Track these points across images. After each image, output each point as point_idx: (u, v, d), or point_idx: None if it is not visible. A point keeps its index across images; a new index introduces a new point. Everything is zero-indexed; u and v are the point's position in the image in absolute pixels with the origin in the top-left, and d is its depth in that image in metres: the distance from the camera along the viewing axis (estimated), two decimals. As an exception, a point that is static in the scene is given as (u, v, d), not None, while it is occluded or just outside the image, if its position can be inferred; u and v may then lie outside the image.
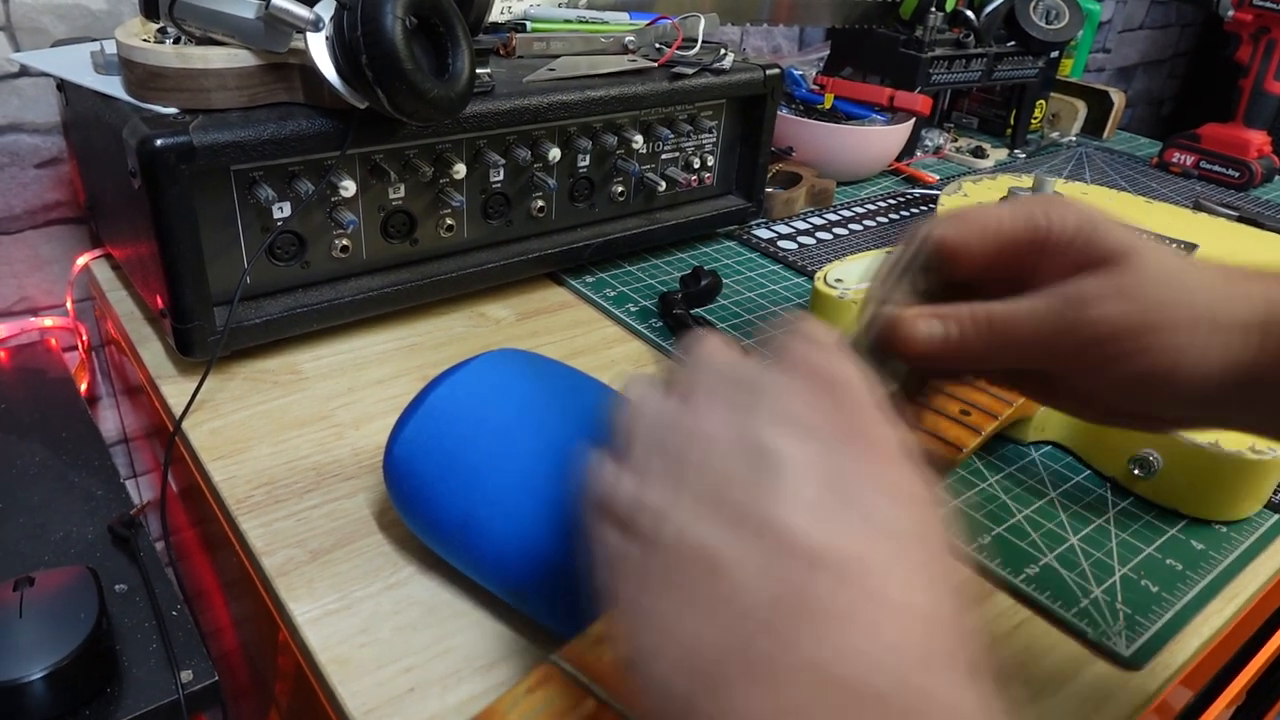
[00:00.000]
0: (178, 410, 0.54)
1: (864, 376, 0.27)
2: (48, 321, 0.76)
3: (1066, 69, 1.36)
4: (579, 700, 0.31)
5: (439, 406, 0.41)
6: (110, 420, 0.83)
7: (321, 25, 0.50)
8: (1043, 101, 1.21)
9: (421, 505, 0.40)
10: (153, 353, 0.60)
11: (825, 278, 0.64)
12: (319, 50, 0.50)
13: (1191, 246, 0.72)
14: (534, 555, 0.37)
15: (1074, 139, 1.25)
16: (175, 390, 0.56)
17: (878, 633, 0.22)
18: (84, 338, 0.76)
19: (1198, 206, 0.99)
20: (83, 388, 0.75)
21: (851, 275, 0.64)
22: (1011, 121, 1.19)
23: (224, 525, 0.49)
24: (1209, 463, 0.49)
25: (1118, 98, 1.26)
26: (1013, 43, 1.11)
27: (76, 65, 0.58)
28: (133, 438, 0.81)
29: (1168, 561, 0.48)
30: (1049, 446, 0.57)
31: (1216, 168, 1.12)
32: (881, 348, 0.34)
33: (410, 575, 0.43)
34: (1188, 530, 0.50)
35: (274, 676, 0.52)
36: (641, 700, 0.25)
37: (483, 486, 0.38)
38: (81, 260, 0.71)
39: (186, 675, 0.48)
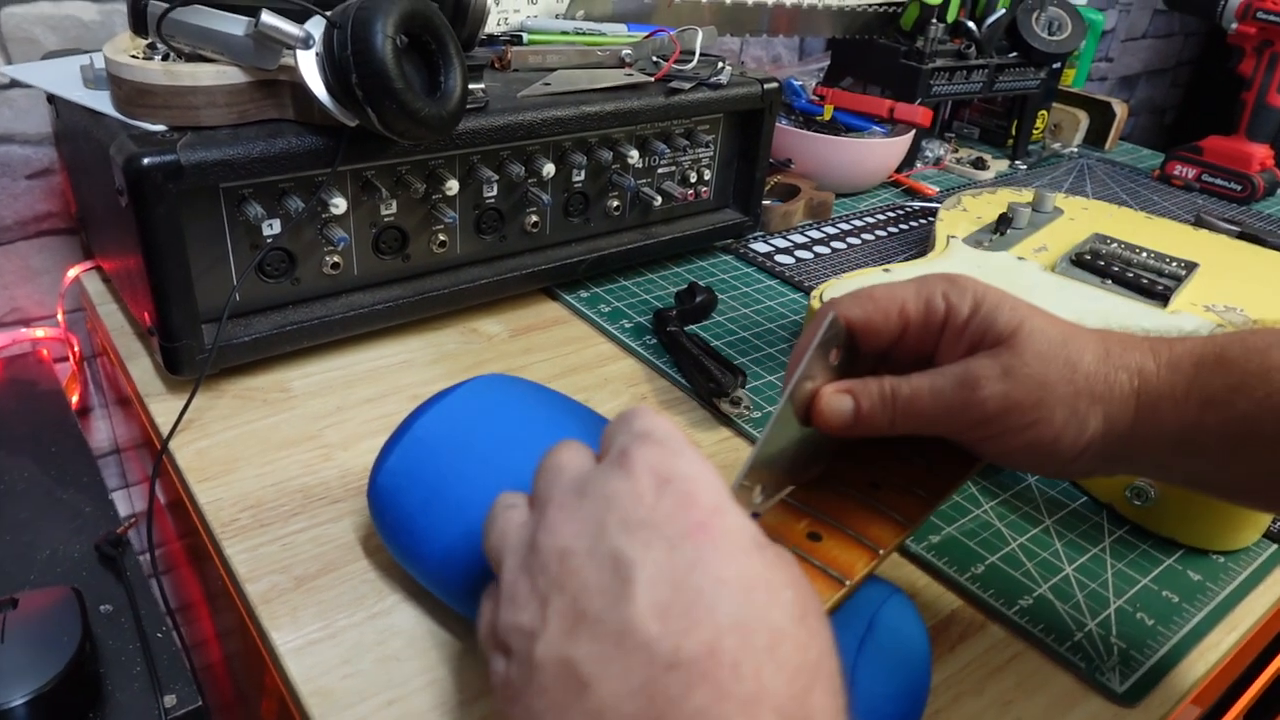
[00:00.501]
0: (165, 428, 0.53)
1: (697, 464, 0.28)
2: (39, 333, 0.75)
3: (1069, 79, 1.35)
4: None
5: (422, 437, 0.40)
6: (103, 431, 0.82)
7: (312, 43, 0.49)
8: (1045, 112, 1.21)
9: (405, 536, 0.40)
10: (141, 369, 0.59)
11: (820, 296, 0.63)
12: (309, 68, 0.50)
13: (1191, 265, 0.71)
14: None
15: (1076, 150, 1.24)
16: (163, 408, 0.55)
17: None
18: (76, 349, 0.76)
19: (1199, 221, 0.98)
20: (74, 399, 0.74)
21: (845, 293, 0.64)
22: (1013, 132, 1.19)
23: (209, 547, 0.48)
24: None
25: (1120, 109, 1.25)
26: (1014, 54, 1.10)
27: (66, 79, 0.57)
28: (124, 449, 0.81)
29: (1164, 593, 0.47)
30: (1045, 471, 0.56)
31: (1219, 181, 1.12)
32: (801, 419, 0.38)
33: (395, 604, 0.43)
34: (1185, 560, 0.50)
35: (259, 694, 0.52)
36: None
37: (466, 520, 0.38)
38: (72, 272, 0.71)
39: (170, 700, 0.47)
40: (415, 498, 0.39)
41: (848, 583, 0.34)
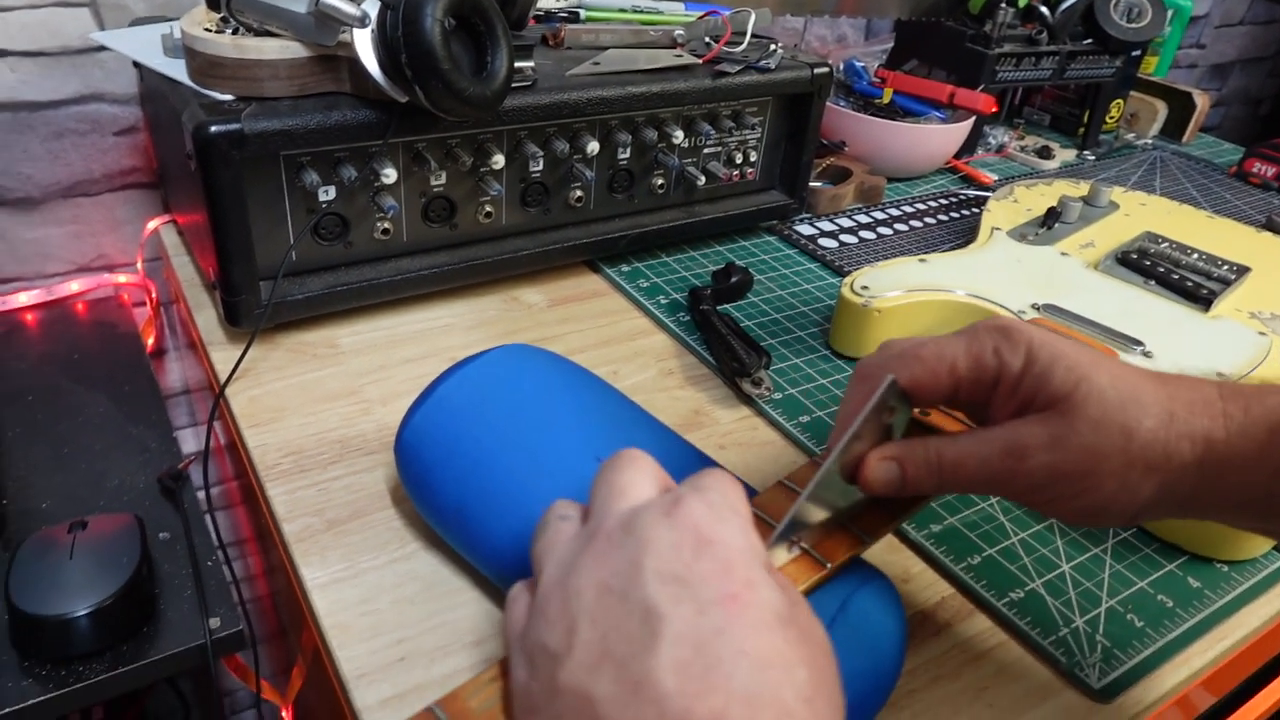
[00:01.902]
0: (223, 375, 0.58)
1: (740, 532, 0.29)
2: (121, 278, 0.81)
3: (1150, 67, 1.31)
4: (536, 690, 0.33)
5: (446, 398, 0.43)
6: (175, 372, 0.89)
7: (367, 21, 0.52)
8: (1120, 101, 1.17)
9: (424, 489, 0.43)
10: (206, 319, 0.64)
11: (853, 285, 0.64)
12: (364, 46, 0.53)
13: (1243, 269, 0.70)
14: (518, 547, 0.40)
15: (1150, 142, 1.21)
16: (222, 357, 0.60)
17: None
18: (153, 295, 0.82)
19: (1269, 223, 0.95)
20: (150, 342, 0.80)
21: (880, 283, 0.65)
22: (1084, 121, 1.16)
23: (255, 487, 0.53)
24: (1213, 501, 0.49)
25: (1201, 100, 1.21)
26: (1089, 40, 1.07)
27: (147, 47, 0.61)
28: (193, 390, 0.87)
29: (1159, 597, 0.48)
30: (1058, 469, 0.57)
31: (1299, 181, 1.07)
32: (846, 477, 0.38)
33: (414, 551, 0.46)
34: (1187, 567, 0.50)
35: (298, 627, 0.56)
36: None
37: (477, 479, 0.41)
38: (152, 224, 0.76)
39: (215, 622, 0.52)
40: (434, 455, 0.43)
41: (829, 566, 0.36)
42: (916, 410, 0.42)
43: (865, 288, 0.64)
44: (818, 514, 0.37)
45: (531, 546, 0.33)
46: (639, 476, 0.32)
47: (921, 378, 0.37)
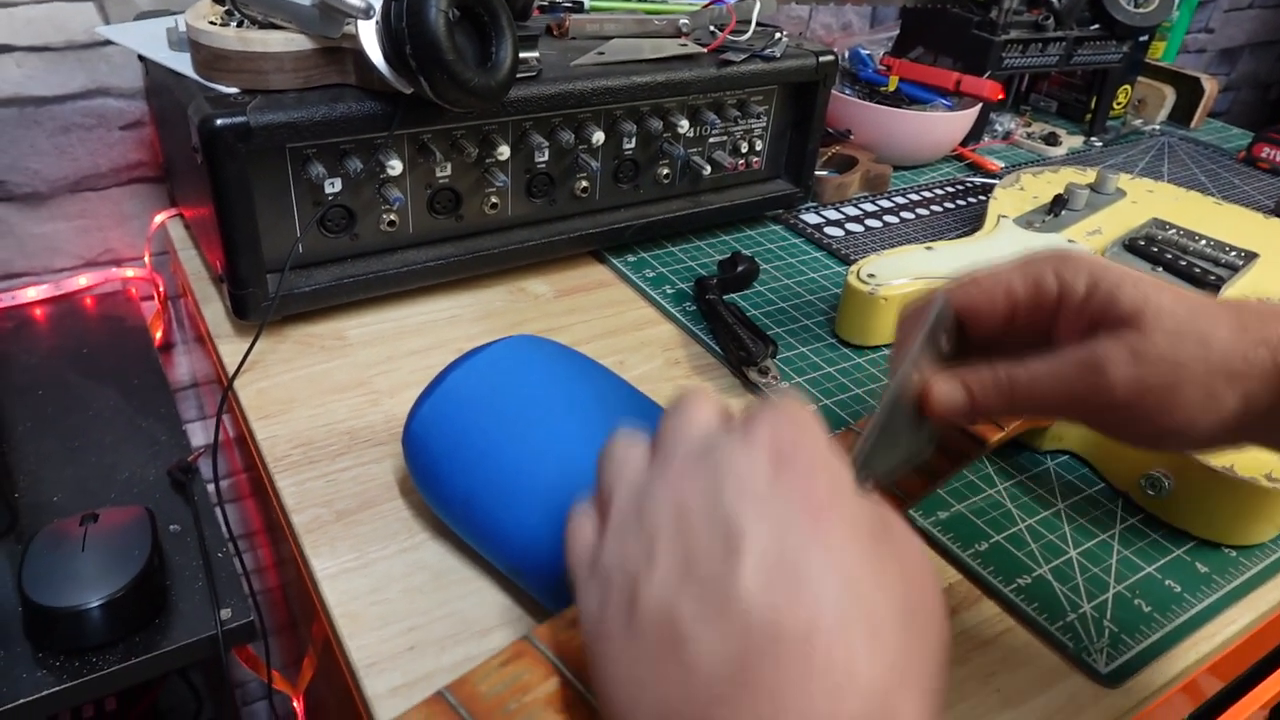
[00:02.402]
0: (232, 368, 0.58)
1: (821, 447, 0.28)
2: (129, 272, 0.82)
3: (1158, 52, 1.30)
4: (546, 676, 0.33)
5: (453, 390, 0.44)
6: (184, 366, 0.89)
7: (372, 13, 0.52)
8: (1127, 87, 1.17)
9: (431, 480, 0.44)
10: (214, 312, 0.64)
11: (859, 273, 0.64)
12: (369, 37, 0.53)
13: (1251, 255, 0.69)
14: (526, 536, 0.40)
15: (1158, 128, 1.20)
16: (230, 349, 0.60)
17: (810, 703, 0.23)
18: (161, 289, 0.82)
19: (1278, 209, 0.95)
20: (158, 336, 0.80)
21: (886, 271, 0.65)
22: (1092, 107, 1.15)
23: (264, 479, 0.53)
24: (1222, 487, 0.49)
25: (1209, 85, 1.20)
26: (1096, 26, 1.06)
27: (153, 40, 0.62)
28: (201, 383, 0.87)
29: (1167, 582, 0.48)
30: (1065, 456, 0.57)
31: (1309, 165, 1.07)
32: (913, 411, 0.36)
33: (423, 541, 0.47)
34: (1195, 552, 0.50)
35: (309, 618, 0.57)
36: None
37: (485, 470, 0.41)
38: (159, 218, 0.77)
39: (226, 613, 0.52)
40: (442, 445, 0.43)
41: (906, 500, 0.37)
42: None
43: (872, 276, 0.64)
44: (888, 454, 0.36)
45: (599, 472, 0.32)
46: (707, 407, 0.31)
47: (978, 300, 0.36)
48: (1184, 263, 0.67)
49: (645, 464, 0.31)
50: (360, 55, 0.54)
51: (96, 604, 0.49)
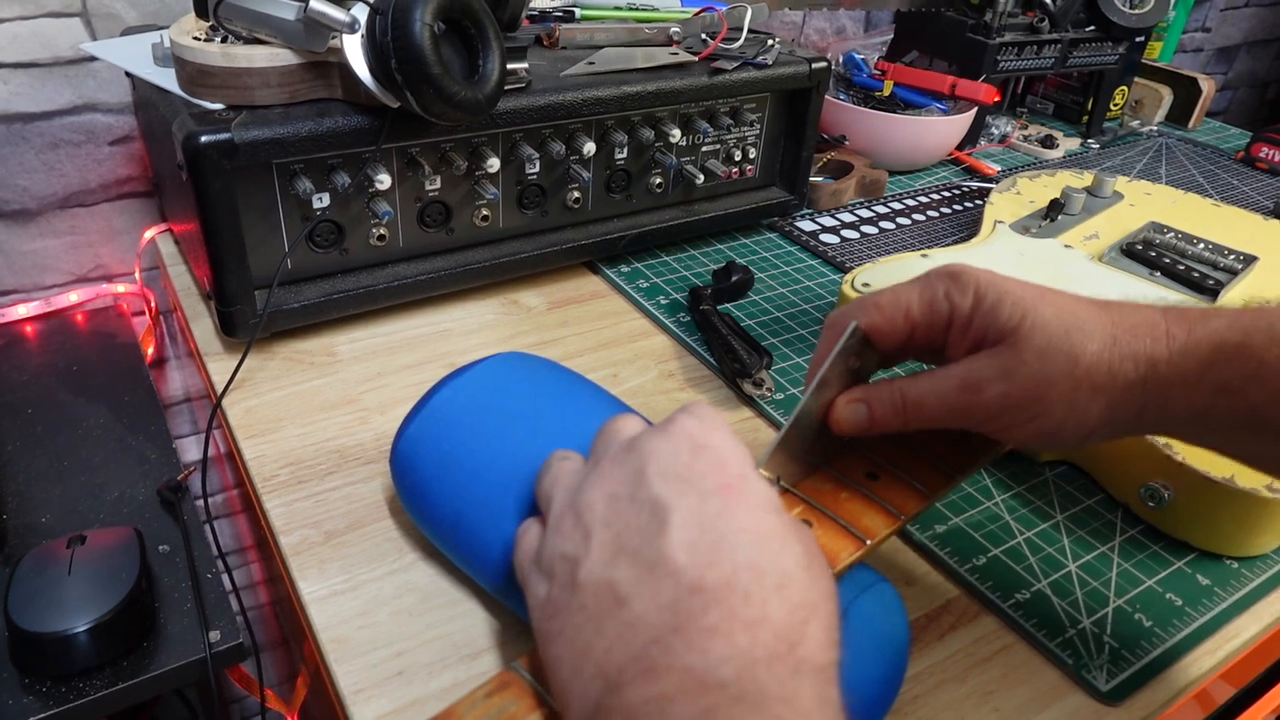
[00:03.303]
0: (221, 386, 0.57)
1: (730, 439, 0.33)
2: (120, 288, 0.81)
3: (1154, 52, 1.29)
4: (534, 707, 0.33)
5: (440, 409, 0.43)
6: (177, 381, 0.88)
7: (357, 27, 0.52)
8: (1124, 88, 1.16)
9: (420, 501, 0.43)
10: (203, 329, 0.64)
11: (854, 282, 0.64)
12: (354, 51, 0.52)
13: (1250, 259, 0.69)
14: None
15: (1156, 128, 1.20)
16: (219, 367, 0.60)
17: (732, 639, 0.27)
18: (152, 304, 0.82)
19: (1277, 209, 0.94)
20: (150, 352, 0.80)
21: (881, 280, 0.64)
22: (1088, 109, 1.15)
23: (252, 499, 0.52)
24: (1222, 498, 0.48)
25: (1207, 85, 1.19)
26: (1091, 27, 1.06)
27: (138, 56, 0.61)
28: (194, 399, 0.87)
29: (1167, 596, 0.47)
30: (1064, 466, 0.56)
31: (1307, 165, 1.06)
32: (820, 424, 0.41)
33: (412, 562, 0.46)
34: (1196, 564, 0.50)
35: (300, 636, 0.56)
36: (564, 710, 0.30)
37: (474, 490, 0.41)
38: (149, 234, 0.76)
39: (215, 635, 0.52)
40: (429, 466, 0.42)
41: (902, 517, 0.38)
42: None
43: (866, 285, 0.63)
44: (795, 459, 0.40)
45: (537, 487, 0.36)
46: (629, 422, 0.36)
47: (879, 323, 0.40)
48: (1182, 267, 0.67)
49: (577, 470, 0.35)
50: (346, 69, 0.53)
51: (83, 628, 0.48)
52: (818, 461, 0.41)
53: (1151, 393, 0.36)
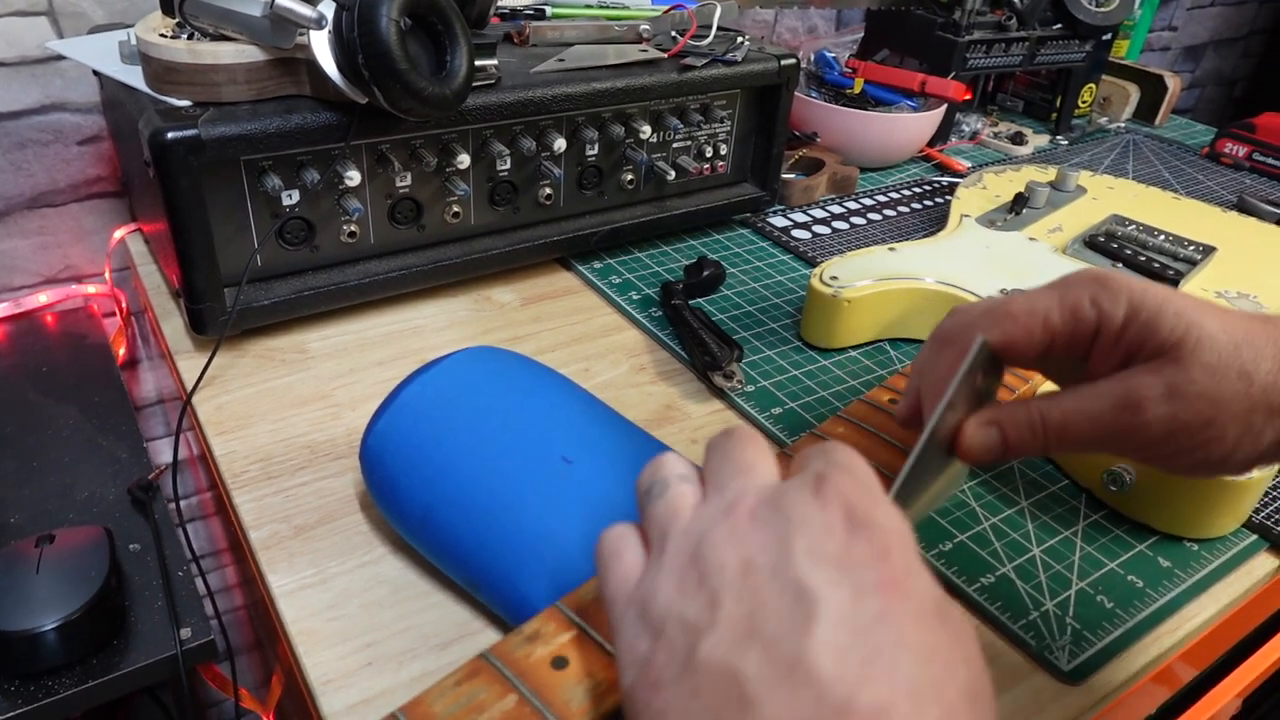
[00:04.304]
0: (191, 384, 0.57)
1: (894, 515, 0.27)
2: (90, 289, 0.81)
3: (1121, 50, 1.31)
4: (503, 694, 0.33)
5: (409, 404, 0.43)
6: (150, 382, 0.88)
7: (324, 23, 0.52)
8: (1092, 85, 1.18)
9: (389, 495, 0.43)
10: (173, 327, 0.64)
11: (822, 275, 0.64)
12: (321, 47, 0.52)
13: (1209, 249, 0.70)
14: (484, 551, 0.40)
15: (1123, 125, 1.21)
16: (189, 365, 0.60)
17: None
18: (123, 304, 0.81)
19: (1240, 203, 0.96)
20: (121, 352, 0.79)
21: (849, 273, 0.65)
22: (1057, 106, 1.16)
23: (223, 495, 0.52)
24: (1182, 481, 0.49)
25: (1173, 82, 1.21)
26: (1059, 25, 1.07)
27: (105, 54, 0.61)
28: (166, 399, 0.86)
29: (1129, 578, 0.48)
30: (1029, 454, 0.57)
31: (1270, 160, 1.08)
32: (946, 451, 0.36)
33: (382, 555, 0.46)
34: (1157, 546, 0.50)
35: (273, 638, 0.56)
36: None
37: (442, 484, 0.41)
38: (119, 233, 0.76)
39: (186, 632, 0.52)
40: (398, 461, 0.42)
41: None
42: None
43: (834, 278, 0.64)
44: (920, 493, 0.35)
45: (647, 505, 0.31)
46: (762, 454, 0.30)
47: (1014, 334, 0.36)
48: (1143, 258, 0.68)
49: (699, 504, 0.30)
50: (314, 66, 0.54)
51: (51, 626, 0.48)
52: (934, 496, 0.38)
53: None
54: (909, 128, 0.97)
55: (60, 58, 0.72)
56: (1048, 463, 0.56)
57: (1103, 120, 1.21)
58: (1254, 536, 0.52)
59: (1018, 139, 1.11)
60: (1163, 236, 0.71)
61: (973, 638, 0.26)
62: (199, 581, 0.56)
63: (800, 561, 0.25)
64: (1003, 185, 0.82)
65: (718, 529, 0.28)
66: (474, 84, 0.58)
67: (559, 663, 0.33)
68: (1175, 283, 0.65)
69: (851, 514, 0.26)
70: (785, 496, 0.28)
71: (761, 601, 0.25)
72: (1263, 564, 0.50)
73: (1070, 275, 0.37)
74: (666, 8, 0.77)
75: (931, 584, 0.26)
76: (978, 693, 0.25)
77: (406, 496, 0.42)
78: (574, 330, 0.67)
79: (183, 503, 0.88)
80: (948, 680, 0.24)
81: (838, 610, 0.24)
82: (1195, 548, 0.51)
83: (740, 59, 0.73)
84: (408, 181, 0.63)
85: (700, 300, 0.71)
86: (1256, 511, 0.52)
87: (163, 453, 0.89)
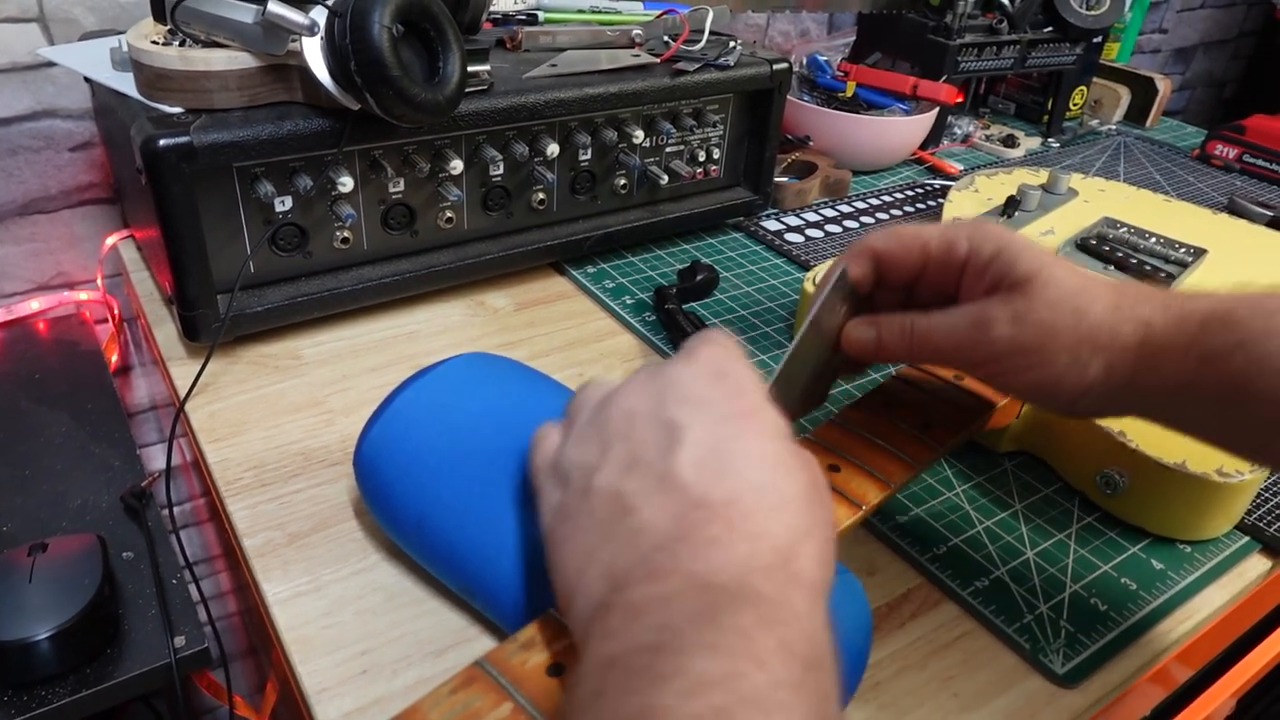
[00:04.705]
0: (184, 391, 0.57)
1: (749, 370, 0.34)
2: (82, 295, 0.80)
3: (1112, 53, 1.32)
4: (498, 702, 0.33)
5: (402, 411, 0.43)
6: (143, 388, 0.88)
7: (316, 30, 0.52)
8: (1083, 88, 1.18)
9: (383, 503, 0.43)
10: (166, 334, 0.64)
11: (814, 279, 0.64)
12: (314, 54, 0.52)
13: (1200, 252, 0.70)
14: (479, 558, 0.40)
15: (1114, 127, 1.22)
16: (182, 372, 0.59)
17: (732, 549, 0.29)
18: (115, 311, 0.81)
19: (1231, 205, 0.96)
20: (114, 359, 0.79)
21: (842, 276, 0.65)
22: (1048, 109, 1.17)
23: (217, 502, 0.52)
24: (1174, 483, 0.49)
25: (1163, 85, 1.22)
26: (1049, 29, 1.08)
27: (96, 61, 0.61)
28: (159, 406, 0.86)
29: (1122, 580, 0.48)
30: (1023, 456, 0.57)
31: (1260, 162, 1.09)
32: (821, 348, 0.44)
33: (377, 562, 0.46)
34: (1150, 549, 0.51)
35: (266, 644, 0.56)
36: (567, 608, 0.32)
37: (436, 491, 0.41)
38: (111, 240, 0.75)
39: (180, 640, 0.51)
40: (392, 468, 0.42)
41: (863, 507, 0.40)
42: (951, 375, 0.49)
43: (828, 282, 0.64)
44: (793, 385, 0.43)
45: (569, 406, 0.38)
46: (658, 362, 0.38)
47: (895, 249, 0.42)
48: (1134, 260, 0.68)
49: (604, 394, 0.36)
50: (306, 72, 0.53)
51: (44, 635, 0.48)
52: (806, 402, 0.45)
53: (1145, 357, 0.38)
54: (901, 131, 0.97)
55: (50, 65, 0.72)
56: (1041, 465, 0.56)
57: (1094, 122, 1.21)
58: (1246, 538, 0.52)
59: (1009, 142, 1.11)
60: (1154, 239, 0.71)
61: (813, 463, 0.33)
62: (192, 588, 0.56)
63: (670, 404, 0.33)
64: (995, 188, 0.82)
65: (613, 396, 0.35)
66: (467, 89, 0.58)
67: (555, 669, 0.33)
68: (1168, 285, 0.65)
69: (715, 368, 0.34)
70: (664, 364, 0.35)
71: (641, 439, 0.32)
72: (1255, 565, 0.50)
73: (957, 221, 0.43)
74: (659, 12, 0.77)
75: (777, 416, 0.33)
76: (812, 489, 0.31)
77: (401, 504, 0.42)
78: (568, 335, 0.67)
79: (176, 509, 0.88)
80: (786, 480, 0.31)
81: (698, 434, 0.31)
82: (1188, 550, 0.51)
83: (733, 63, 0.73)
84: (401, 187, 0.63)
85: (694, 304, 0.71)
86: (1249, 513, 0.53)
87: (156, 459, 0.88)
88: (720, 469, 0.30)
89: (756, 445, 0.31)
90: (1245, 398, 0.36)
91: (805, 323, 0.42)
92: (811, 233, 0.84)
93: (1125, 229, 0.73)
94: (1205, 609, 0.47)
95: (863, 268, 0.43)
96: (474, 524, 0.40)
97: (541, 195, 0.70)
